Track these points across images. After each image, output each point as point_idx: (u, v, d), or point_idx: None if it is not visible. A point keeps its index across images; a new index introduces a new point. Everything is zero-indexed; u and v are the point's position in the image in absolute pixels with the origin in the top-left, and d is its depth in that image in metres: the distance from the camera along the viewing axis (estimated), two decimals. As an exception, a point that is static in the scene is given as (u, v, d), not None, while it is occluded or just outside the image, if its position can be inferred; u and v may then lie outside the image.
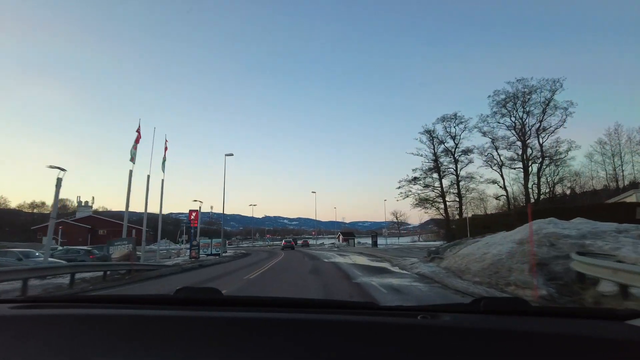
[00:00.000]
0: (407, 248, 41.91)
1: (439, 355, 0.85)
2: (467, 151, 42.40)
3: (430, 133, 43.85)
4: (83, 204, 65.50)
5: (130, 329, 0.97)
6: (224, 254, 31.29)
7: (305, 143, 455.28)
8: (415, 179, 44.54)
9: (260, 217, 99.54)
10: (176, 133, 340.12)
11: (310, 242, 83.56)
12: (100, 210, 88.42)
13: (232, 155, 34.62)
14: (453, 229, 39.02)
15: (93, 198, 75.11)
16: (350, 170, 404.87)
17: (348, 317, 1.06)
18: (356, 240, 72.23)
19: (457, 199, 43.29)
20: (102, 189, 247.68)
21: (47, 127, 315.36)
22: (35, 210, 76.54)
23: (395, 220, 75.33)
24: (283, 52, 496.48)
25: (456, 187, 42.88)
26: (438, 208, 44.71)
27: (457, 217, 42.39)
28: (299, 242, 68.29)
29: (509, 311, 1.11)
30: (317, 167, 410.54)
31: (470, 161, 42.35)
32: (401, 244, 63.56)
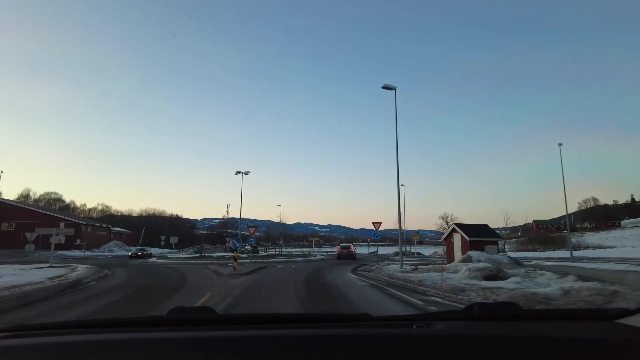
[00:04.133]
0: None
1: None
2: None
3: None
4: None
5: (124, 355, 0.93)
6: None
7: (340, 149, 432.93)
8: None
9: (292, 223, 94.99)
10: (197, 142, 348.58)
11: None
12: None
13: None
14: None
15: None
16: (385, 173, 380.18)
17: (344, 330, 1.07)
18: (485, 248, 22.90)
19: None
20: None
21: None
22: None
23: (445, 226, 50.94)
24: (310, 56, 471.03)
25: None
26: None
27: None
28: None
29: (502, 316, 1.13)
30: (348, 173, 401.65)
31: None
32: None
